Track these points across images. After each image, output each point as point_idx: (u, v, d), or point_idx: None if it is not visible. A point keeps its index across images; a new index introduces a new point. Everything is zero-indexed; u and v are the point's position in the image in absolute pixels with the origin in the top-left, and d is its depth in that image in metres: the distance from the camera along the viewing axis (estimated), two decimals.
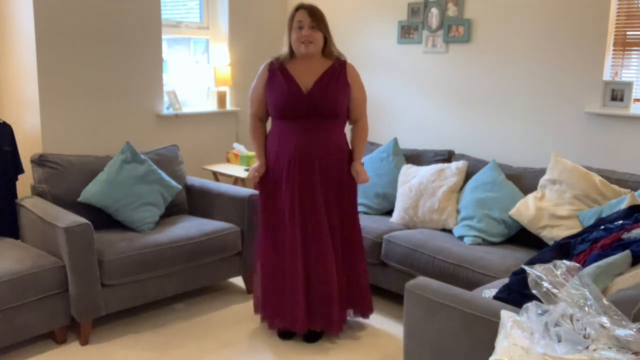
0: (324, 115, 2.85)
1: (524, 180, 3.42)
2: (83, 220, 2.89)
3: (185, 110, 4.55)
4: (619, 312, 1.59)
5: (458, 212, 3.46)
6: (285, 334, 3.05)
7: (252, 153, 4.44)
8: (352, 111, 2.97)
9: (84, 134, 3.95)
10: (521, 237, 3.26)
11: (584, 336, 1.52)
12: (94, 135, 3.99)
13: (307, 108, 2.82)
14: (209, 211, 3.72)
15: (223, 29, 4.77)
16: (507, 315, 1.72)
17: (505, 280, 2.46)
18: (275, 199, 2.94)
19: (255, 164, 3.01)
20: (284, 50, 2.91)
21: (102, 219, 3.33)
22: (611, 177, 3.15)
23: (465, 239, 3.27)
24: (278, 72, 2.88)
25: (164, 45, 4.37)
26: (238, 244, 3.49)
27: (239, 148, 4.57)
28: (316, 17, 2.80)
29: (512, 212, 3.24)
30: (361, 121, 3.01)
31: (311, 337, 3.01)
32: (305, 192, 2.86)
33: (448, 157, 3.84)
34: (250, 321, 3.25)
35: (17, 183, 3.37)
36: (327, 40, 2.88)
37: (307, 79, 2.84)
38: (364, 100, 3.00)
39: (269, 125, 3.06)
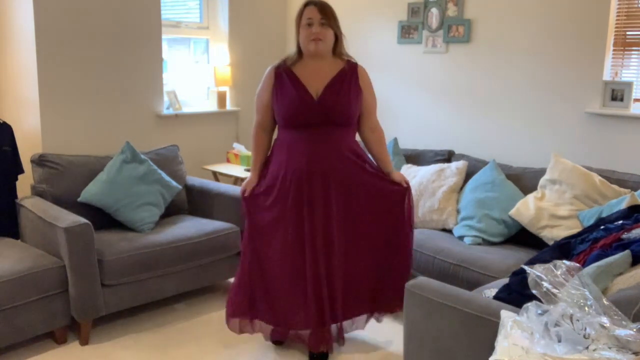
0: (337, 123, 2.64)
1: (524, 180, 3.42)
2: (83, 220, 2.89)
3: (185, 110, 4.55)
4: (619, 312, 1.59)
5: (458, 212, 3.46)
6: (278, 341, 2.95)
7: None
8: (365, 119, 2.76)
9: (84, 134, 3.95)
10: (521, 237, 3.26)
11: (584, 336, 1.52)
12: (94, 135, 3.99)
13: (319, 116, 2.61)
14: (209, 211, 3.72)
15: (223, 29, 4.77)
16: (507, 315, 1.72)
17: (505, 280, 2.46)
18: (273, 217, 2.72)
19: (249, 177, 2.84)
20: (292, 50, 2.75)
21: (102, 219, 3.33)
22: (611, 177, 3.15)
23: (465, 239, 3.27)
24: (285, 76, 2.67)
25: (164, 45, 4.37)
26: (238, 244, 3.48)
27: (239, 148, 4.58)
28: (327, 14, 2.62)
29: (512, 212, 3.24)
30: (378, 129, 2.82)
31: (315, 357, 2.85)
32: (320, 211, 2.64)
33: (448, 157, 3.84)
34: None
35: (17, 183, 3.37)
36: (338, 38, 2.69)
37: (317, 84, 2.64)
38: (375, 104, 2.81)
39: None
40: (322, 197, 2.66)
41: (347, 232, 2.73)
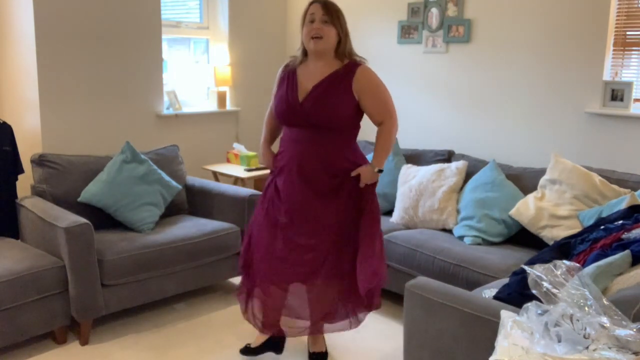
0: (320, 126, 2.57)
1: (524, 180, 3.42)
2: (83, 220, 2.89)
3: (185, 110, 4.55)
4: (619, 312, 1.59)
5: (458, 212, 3.46)
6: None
7: (252, 153, 4.45)
8: (371, 117, 2.66)
9: (84, 134, 3.95)
10: (521, 237, 3.26)
11: (584, 336, 1.52)
12: (94, 135, 3.99)
13: (301, 117, 2.58)
14: (209, 211, 3.72)
15: (223, 29, 4.77)
16: (507, 315, 1.72)
17: (505, 280, 2.46)
18: (267, 205, 2.74)
19: (263, 153, 2.83)
20: (298, 48, 2.72)
21: (102, 219, 3.33)
22: (611, 177, 3.15)
23: (465, 239, 3.27)
24: (286, 75, 2.69)
25: (164, 45, 4.37)
26: (238, 244, 3.49)
27: (239, 148, 4.58)
28: (330, 11, 2.56)
29: (512, 212, 3.24)
30: (386, 123, 2.65)
31: (314, 356, 2.86)
32: (290, 210, 2.64)
33: (448, 157, 3.84)
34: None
35: (17, 183, 3.37)
36: (341, 38, 2.61)
37: (309, 85, 2.61)
38: (383, 102, 2.63)
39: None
40: (301, 198, 2.63)
41: (318, 237, 2.66)
